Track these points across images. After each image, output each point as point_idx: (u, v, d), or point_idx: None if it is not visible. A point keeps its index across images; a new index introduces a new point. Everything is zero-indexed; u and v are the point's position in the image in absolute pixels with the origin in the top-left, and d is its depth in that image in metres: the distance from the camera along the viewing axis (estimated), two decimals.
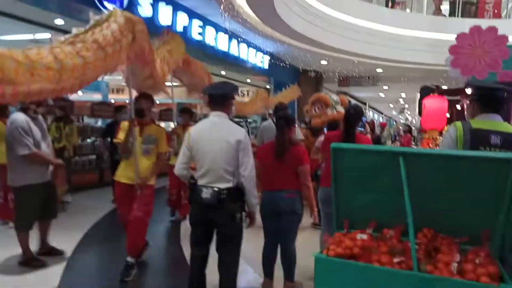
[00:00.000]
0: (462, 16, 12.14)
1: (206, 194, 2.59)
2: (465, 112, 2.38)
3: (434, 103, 3.62)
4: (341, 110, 6.05)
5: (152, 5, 7.15)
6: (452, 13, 12.49)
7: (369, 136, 5.61)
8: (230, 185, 2.60)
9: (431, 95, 3.69)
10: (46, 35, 8.31)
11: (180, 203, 5.43)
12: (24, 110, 3.66)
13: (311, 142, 5.36)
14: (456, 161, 1.83)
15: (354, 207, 2.13)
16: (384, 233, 2.01)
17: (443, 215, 1.94)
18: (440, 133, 4.13)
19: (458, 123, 2.20)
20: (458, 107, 3.69)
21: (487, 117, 2.17)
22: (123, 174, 3.66)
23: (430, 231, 1.93)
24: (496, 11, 12.39)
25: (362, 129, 5.43)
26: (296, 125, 3.84)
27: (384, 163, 1.97)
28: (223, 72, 11.85)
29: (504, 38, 4.51)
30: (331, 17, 10.08)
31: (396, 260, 1.75)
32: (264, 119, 9.49)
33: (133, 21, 2.97)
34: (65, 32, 7.83)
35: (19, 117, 3.57)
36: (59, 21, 7.16)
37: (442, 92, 3.71)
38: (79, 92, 9.92)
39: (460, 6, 12.31)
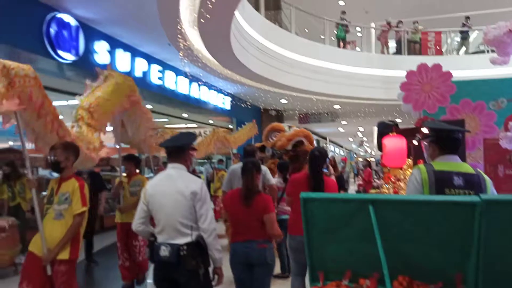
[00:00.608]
0: (409, 53, 13.00)
1: (164, 251, 2.45)
2: (425, 153, 2.45)
3: (394, 142, 3.74)
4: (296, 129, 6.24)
5: (110, 52, 7.09)
6: (398, 51, 13.37)
7: (333, 177, 5.59)
8: (189, 239, 2.48)
9: (390, 134, 3.80)
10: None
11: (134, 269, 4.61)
12: None
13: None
14: (424, 206, 1.85)
15: (327, 257, 2.08)
16: (360, 283, 1.96)
17: (417, 261, 1.93)
18: (401, 169, 4.26)
19: (422, 166, 2.25)
20: (415, 142, 3.82)
21: (447, 158, 2.24)
22: (35, 242, 2.98)
23: (405, 279, 1.90)
24: (438, 47, 13.42)
25: (326, 170, 5.48)
26: (264, 169, 3.82)
27: (354, 210, 1.96)
28: (184, 115, 11.81)
29: (449, 74, 4.81)
30: (287, 58, 10.45)
31: None
32: (229, 158, 9.42)
33: (9, 67, 2.63)
34: None
35: None
36: None
37: (400, 132, 3.84)
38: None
39: (405, 45, 13.21)
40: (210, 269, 2.62)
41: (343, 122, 18.07)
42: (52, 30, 5.75)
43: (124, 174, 4.78)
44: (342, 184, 6.78)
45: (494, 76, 6.68)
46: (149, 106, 10.26)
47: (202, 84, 10.66)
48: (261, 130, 15.22)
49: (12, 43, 5.33)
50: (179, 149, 2.65)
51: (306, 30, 13.40)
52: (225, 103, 12.29)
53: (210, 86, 11.14)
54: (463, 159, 3.07)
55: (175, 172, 2.61)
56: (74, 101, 5.47)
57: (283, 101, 13.33)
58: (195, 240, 2.48)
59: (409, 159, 4.13)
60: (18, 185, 5.73)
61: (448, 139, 2.25)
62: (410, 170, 3.79)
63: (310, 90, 11.32)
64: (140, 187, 4.48)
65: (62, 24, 5.92)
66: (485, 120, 4.61)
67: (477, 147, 4.65)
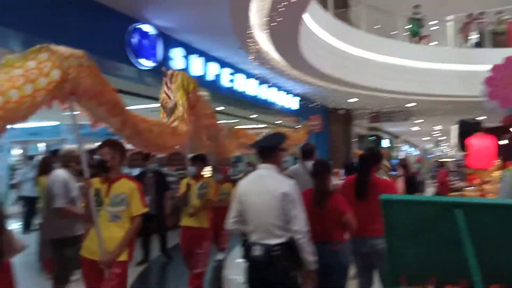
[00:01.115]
0: (492, 46, 11.94)
1: (256, 251, 2.47)
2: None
3: (480, 142, 3.48)
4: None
5: (185, 57, 7.48)
6: (479, 44, 12.34)
7: (400, 179, 5.16)
8: (281, 240, 2.46)
9: (476, 133, 3.55)
10: None
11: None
12: (64, 167, 3.90)
13: None
14: None
15: (410, 261, 2.01)
16: None
17: (510, 270, 1.79)
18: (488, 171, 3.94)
19: None
20: (503, 142, 3.52)
21: None
22: (87, 247, 2.91)
23: None
24: None
25: (395, 173, 5.12)
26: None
27: (439, 214, 1.88)
28: (253, 116, 12.04)
29: None
30: (357, 56, 10.18)
31: None
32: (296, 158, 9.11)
33: (62, 56, 2.30)
34: None
35: (60, 172, 3.81)
36: None
37: (487, 131, 3.57)
38: None
39: (489, 37, 12.16)
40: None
41: (418, 121, 17.12)
42: (134, 39, 6.22)
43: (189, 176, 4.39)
44: (414, 186, 6.31)
45: None
46: (220, 108, 10.67)
47: (270, 86, 10.79)
48: (329, 130, 15.03)
49: (98, 53, 5.84)
50: (270, 149, 2.66)
51: (377, 27, 12.93)
52: (293, 103, 12.31)
53: (278, 87, 11.24)
54: None
55: (266, 172, 2.62)
56: (153, 105, 5.89)
57: (353, 100, 12.99)
58: (287, 241, 2.46)
59: (497, 160, 3.82)
60: None
61: None
62: (499, 172, 3.50)
63: (381, 88, 10.90)
64: (207, 189, 4.36)
65: (143, 34, 6.38)
66: None
67: None
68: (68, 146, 4.07)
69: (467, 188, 4.44)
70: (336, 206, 2.95)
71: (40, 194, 4.78)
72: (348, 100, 13.09)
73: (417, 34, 12.35)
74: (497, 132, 3.48)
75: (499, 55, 4.76)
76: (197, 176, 4.46)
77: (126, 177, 3.01)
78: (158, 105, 3.94)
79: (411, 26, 12.37)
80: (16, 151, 11.14)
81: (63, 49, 2.35)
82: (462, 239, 1.73)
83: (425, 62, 11.11)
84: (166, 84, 3.87)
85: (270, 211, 2.49)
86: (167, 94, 3.83)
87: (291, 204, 2.48)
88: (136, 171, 6.89)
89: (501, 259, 1.77)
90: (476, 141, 3.49)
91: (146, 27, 6.45)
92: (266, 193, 2.52)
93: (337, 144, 14.81)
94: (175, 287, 5.24)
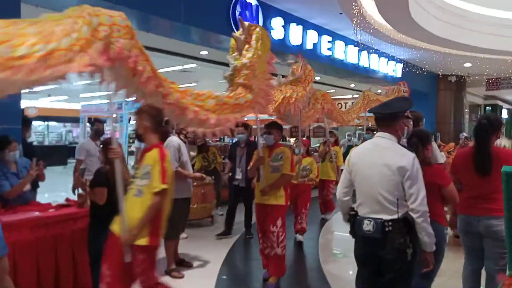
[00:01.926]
0: None
1: (367, 226, 2.28)
2: None
3: None
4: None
5: (284, 27, 7.46)
6: None
7: None
8: (395, 216, 2.24)
9: None
10: (193, 65, 9.45)
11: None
12: (177, 134, 4.34)
13: None
14: None
15: None
16: None
17: None
18: None
19: None
20: None
21: None
22: (116, 221, 2.61)
23: None
24: None
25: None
26: (434, 144, 3.31)
27: None
28: (352, 85, 11.62)
29: None
30: (474, 14, 8.98)
31: None
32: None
33: (92, 14, 2.13)
34: (209, 61, 8.86)
35: (174, 139, 4.21)
36: (204, 52, 8.07)
37: None
38: None
39: None
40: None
41: None
42: (237, 11, 6.38)
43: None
44: None
45: None
46: (317, 78, 10.50)
47: (372, 52, 10.22)
48: (438, 99, 13.77)
49: (204, 27, 6.16)
50: (390, 116, 2.39)
51: None
52: (396, 70, 11.52)
53: (380, 54, 10.60)
54: None
55: (383, 142, 2.38)
56: None
57: (467, 64, 11.64)
58: (402, 217, 2.24)
59: None
60: (210, 155, 6.64)
61: None
62: None
63: (504, 50, 9.52)
64: (282, 161, 3.78)
65: (245, 5, 6.51)
66: None
67: None
68: None
69: None
70: (432, 179, 2.61)
71: None
72: (462, 65, 11.77)
73: None
74: None
75: None
76: (272, 146, 3.90)
77: (157, 146, 2.64)
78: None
79: None
80: (134, 121, 12.39)
81: (97, 8, 2.22)
82: None
83: None
84: (238, 39, 3.44)
85: (383, 185, 2.28)
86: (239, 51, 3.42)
87: (410, 180, 2.25)
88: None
89: None
90: None
91: None
92: (380, 165, 2.31)
93: (446, 115, 13.57)
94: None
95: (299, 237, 5.40)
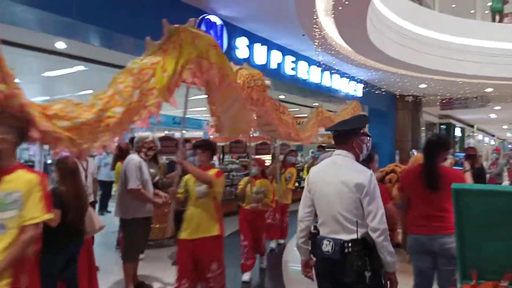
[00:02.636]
0: None
1: (326, 247, 2.21)
2: None
3: None
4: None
5: (248, 46, 7.59)
6: None
7: (468, 173, 4.28)
8: (354, 236, 2.18)
9: None
10: None
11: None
12: (137, 152, 4.22)
13: None
14: None
15: (483, 254, 1.92)
16: None
17: None
18: None
19: None
20: None
21: None
22: None
23: None
24: None
25: (461, 168, 4.32)
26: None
27: None
28: (315, 104, 11.90)
29: None
30: (430, 39, 9.55)
31: None
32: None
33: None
34: None
35: (134, 157, 4.12)
36: None
37: None
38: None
39: None
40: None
41: (496, 108, 15.74)
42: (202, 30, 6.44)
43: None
44: (483, 178, 5.46)
45: None
46: (281, 97, 10.69)
47: (334, 72, 10.58)
48: (396, 118, 14.36)
49: None
50: (347, 133, 2.36)
51: (453, 6, 12.02)
52: (357, 90, 11.95)
53: (342, 74, 10.98)
54: None
55: (340, 159, 2.35)
56: None
57: (422, 85, 12.27)
58: (361, 237, 2.18)
59: None
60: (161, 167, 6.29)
61: None
62: None
63: (456, 73, 10.14)
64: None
65: (210, 24, 6.57)
66: None
67: None
68: (141, 133, 4.34)
69: None
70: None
71: (115, 178, 5.19)
72: (418, 86, 12.39)
73: (499, 11, 11.27)
74: None
75: None
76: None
77: (22, 167, 2.09)
78: None
79: (493, 3, 11.30)
80: None
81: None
82: None
83: (507, 43, 10.12)
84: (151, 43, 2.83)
85: (341, 203, 2.23)
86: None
87: (368, 196, 2.20)
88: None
89: None
90: None
91: (213, 18, 6.64)
92: (337, 182, 2.26)
93: (404, 133, 14.16)
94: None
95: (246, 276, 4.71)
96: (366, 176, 2.24)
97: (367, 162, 2.84)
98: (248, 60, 7.61)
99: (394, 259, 2.22)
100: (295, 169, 6.60)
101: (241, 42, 7.43)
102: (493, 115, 18.44)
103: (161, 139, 8.04)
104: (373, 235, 2.18)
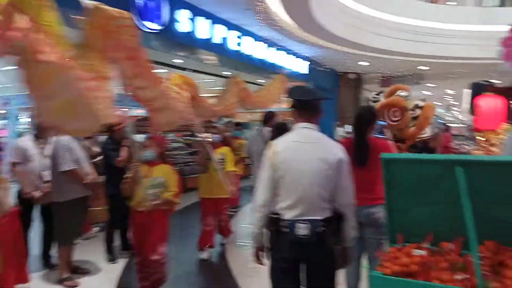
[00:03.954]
0: None
1: (303, 230, 2.04)
2: None
3: (489, 102, 3.39)
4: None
5: (191, 19, 7.32)
6: (502, 2, 11.80)
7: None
8: (328, 214, 2.10)
9: (485, 94, 3.45)
10: None
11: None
12: None
13: None
14: None
15: (409, 220, 2.03)
16: (442, 247, 1.90)
17: (507, 226, 1.80)
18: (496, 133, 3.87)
19: None
20: None
21: None
22: None
23: (493, 244, 1.80)
24: None
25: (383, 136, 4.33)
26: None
27: (441, 172, 1.87)
28: (260, 81, 11.89)
29: None
30: (370, 17, 9.84)
31: (458, 277, 1.64)
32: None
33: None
34: None
35: (62, 138, 3.82)
36: None
37: (497, 91, 3.47)
38: None
39: None
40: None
41: (430, 85, 16.74)
42: (139, 1, 6.07)
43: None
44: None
45: None
46: (226, 73, 10.54)
47: (279, 49, 10.58)
48: (336, 94, 14.79)
49: None
50: (317, 104, 2.20)
51: None
52: (302, 67, 12.09)
53: (287, 51, 11.01)
54: None
55: (314, 134, 2.16)
56: (160, 70, 5.76)
57: (364, 63, 12.70)
58: (333, 214, 2.11)
59: (507, 123, 3.74)
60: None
61: None
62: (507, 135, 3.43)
63: (393, 51, 10.61)
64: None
65: None
66: None
67: None
68: None
69: (474, 152, 4.38)
70: None
71: None
72: (359, 63, 12.80)
73: None
74: (508, 93, 3.37)
75: None
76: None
77: None
78: (164, 70, 3.66)
79: None
80: (25, 118, 11.19)
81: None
82: (461, 197, 1.73)
83: (442, 23, 10.69)
84: None
85: (319, 180, 2.08)
86: None
87: (345, 173, 2.13)
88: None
89: (498, 215, 1.78)
90: (485, 102, 3.40)
91: None
92: (317, 159, 2.08)
93: (346, 109, 14.66)
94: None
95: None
96: (343, 150, 2.18)
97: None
98: (191, 34, 7.38)
99: (355, 233, 2.25)
100: (227, 147, 5.00)
101: (183, 15, 7.15)
102: (427, 92, 19.62)
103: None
104: (345, 210, 2.15)
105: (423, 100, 2.81)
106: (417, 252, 1.82)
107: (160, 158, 3.45)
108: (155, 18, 6.40)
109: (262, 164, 2.25)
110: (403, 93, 2.82)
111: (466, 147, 7.51)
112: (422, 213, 2.00)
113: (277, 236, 2.12)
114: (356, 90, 14.98)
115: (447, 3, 12.70)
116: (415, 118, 2.61)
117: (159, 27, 6.48)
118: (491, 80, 6.21)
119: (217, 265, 4.58)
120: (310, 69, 12.42)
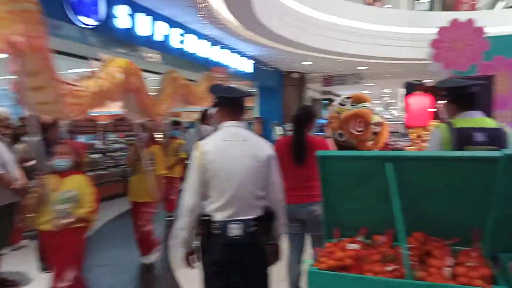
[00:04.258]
0: (443, 9, 12.34)
1: (235, 230, 2.01)
2: (443, 112, 2.36)
3: (417, 101, 3.62)
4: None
5: (131, 15, 7.05)
6: (432, 7, 12.71)
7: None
8: (260, 213, 2.09)
9: (414, 93, 3.68)
10: None
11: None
12: None
13: None
14: (443, 162, 1.81)
15: (343, 215, 2.09)
16: (375, 240, 1.98)
17: (434, 218, 1.91)
18: (425, 130, 4.15)
19: (442, 125, 2.19)
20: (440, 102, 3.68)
21: (466, 114, 2.17)
22: None
23: (421, 235, 1.90)
24: (474, 2, 12.65)
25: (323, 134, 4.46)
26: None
27: (372, 168, 1.94)
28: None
29: (481, 30, 4.55)
30: (311, 18, 10.12)
31: (388, 268, 1.71)
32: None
33: None
34: None
35: None
36: None
37: (425, 90, 3.71)
38: None
39: (439, 0, 12.52)
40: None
41: (369, 84, 17.61)
42: None
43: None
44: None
45: None
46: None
47: (224, 47, 10.52)
48: (282, 94, 15.08)
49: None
50: (240, 102, 2.18)
51: None
52: (247, 66, 12.14)
53: (231, 49, 10.99)
54: (488, 113, 2.95)
55: (242, 132, 2.15)
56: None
57: (306, 63, 13.04)
58: (265, 212, 2.11)
59: (435, 120, 4.01)
60: None
61: (464, 96, 2.17)
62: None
63: (333, 51, 11.01)
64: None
65: None
66: None
67: (509, 107, 4.46)
68: None
69: (407, 148, 4.65)
70: None
71: None
72: (302, 63, 13.12)
73: None
74: (435, 91, 3.62)
75: (450, 18, 4.88)
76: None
77: None
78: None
79: None
80: None
81: None
82: (391, 191, 1.81)
83: (378, 25, 11.28)
84: None
85: (251, 179, 2.08)
86: None
87: (275, 169, 2.15)
88: None
89: (426, 209, 1.88)
90: (413, 100, 3.62)
91: None
92: (248, 157, 2.08)
93: (290, 108, 14.98)
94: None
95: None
96: (271, 147, 2.19)
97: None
98: (130, 31, 7.10)
99: (285, 230, 2.26)
100: (158, 147, 4.56)
101: (122, 11, 6.85)
102: (366, 91, 20.60)
103: None
104: (276, 207, 2.16)
105: (382, 117, 2.95)
106: (351, 246, 1.87)
107: (76, 168, 2.95)
108: (91, 13, 6.08)
109: (189, 165, 2.18)
110: (369, 105, 2.95)
111: (401, 143, 7.97)
112: (356, 208, 2.06)
113: (208, 238, 2.07)
114: (300, 89, 15.36)
115: (383, 6, 13.43)
116: (375, 133, 2.75)
117: (96, 23, 6.17)
118: (422, 80, 6.68)
119: (161, 267, 4.43)
120: (255, 68, 12.51)
